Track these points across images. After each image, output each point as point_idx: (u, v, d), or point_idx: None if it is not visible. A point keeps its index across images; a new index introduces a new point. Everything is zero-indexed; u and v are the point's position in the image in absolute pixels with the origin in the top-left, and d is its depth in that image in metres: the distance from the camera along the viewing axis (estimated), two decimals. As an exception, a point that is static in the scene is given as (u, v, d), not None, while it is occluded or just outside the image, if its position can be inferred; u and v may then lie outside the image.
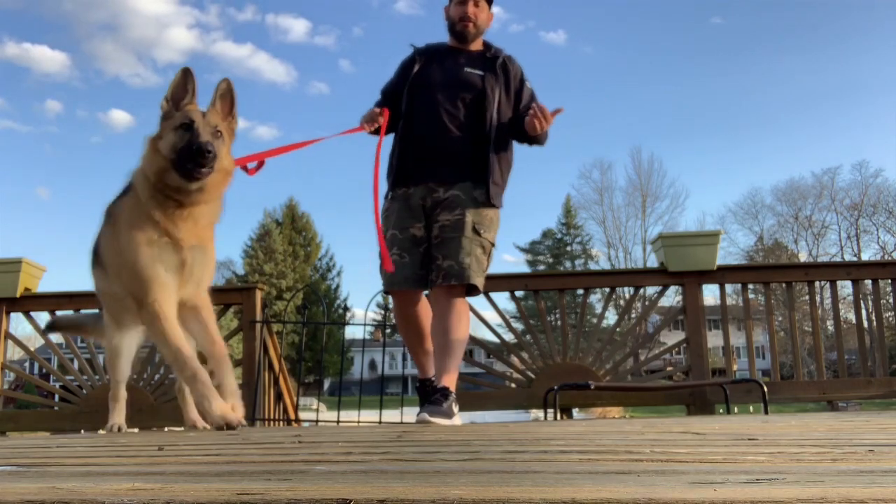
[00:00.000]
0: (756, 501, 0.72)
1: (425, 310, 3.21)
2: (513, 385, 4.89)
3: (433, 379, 3.10)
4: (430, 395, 2.99)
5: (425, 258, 3.07)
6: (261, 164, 3.07)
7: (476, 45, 3.27)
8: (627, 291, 9.96)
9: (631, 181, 42.37)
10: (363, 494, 0.78)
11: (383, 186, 3.29)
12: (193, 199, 2.57)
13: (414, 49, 3.31)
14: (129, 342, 3.07)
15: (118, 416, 3.18)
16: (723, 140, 55.90)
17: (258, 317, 4.77)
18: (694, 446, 1.49)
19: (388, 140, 3.27)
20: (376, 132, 3.18)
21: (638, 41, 55.27)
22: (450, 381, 3.00)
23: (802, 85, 53.17)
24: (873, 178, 37.78)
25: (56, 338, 5.23)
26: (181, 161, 2.50)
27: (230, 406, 2.57)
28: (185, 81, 2.65)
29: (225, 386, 2.66)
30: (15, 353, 21.94)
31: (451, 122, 3.09)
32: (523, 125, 3.11)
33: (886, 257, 34.64)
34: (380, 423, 4.66)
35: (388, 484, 0.88)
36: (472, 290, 3.07)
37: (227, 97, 2.74)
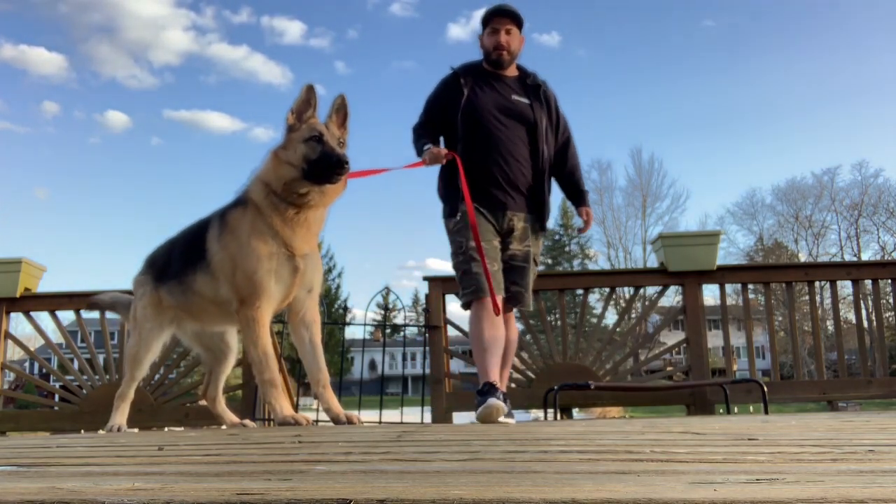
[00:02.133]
0: (756, 501, 0.72)
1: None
2: (513, 385, 4.89)
3: (498, 384, 3.26)
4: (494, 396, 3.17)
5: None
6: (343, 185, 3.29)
7: (511, 71, 3.47)
8: (627, 291, 9.95)
9: (631, 181, 42.26)
10: (363, 494, 0.78)
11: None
12: (315, 202, 2.86)
13: (454, 70, 3.45)
14: (162, 342, 3.26)
15: (121, 416, 3.20)
16: (722, 140, 55.94)
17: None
18: (694, 446, 1.49)
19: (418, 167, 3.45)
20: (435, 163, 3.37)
21: (631, 44, 55.37)
22: (503, 385, 3.39)
23: (802, 85, 53.17)
24: (873, 178, 37.77)
25: (56, 338, 5.23)
26: (315, 170, 2.79)
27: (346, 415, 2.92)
28: (308, 97, 2.91)
29: (330, 407, 2.96)
30: (15, 353, 21.95)
31: (513, 151, 3.32)
32: (567, 179, 3.54)
33: (886, 257, 34.59)
34: (380, 423, 4.66)
35: (388, 484, 0.88)
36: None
37: (341, 111, 3.00)
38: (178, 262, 3.08)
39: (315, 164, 2.79)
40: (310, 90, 2.92)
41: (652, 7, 54.09)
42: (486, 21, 3.44)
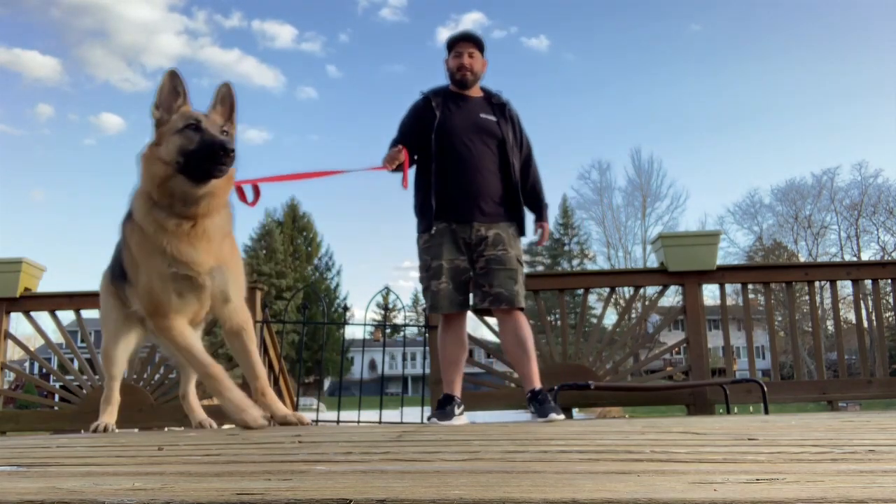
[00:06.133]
0: (756, 501, 0.72)
1: (465, 329, 3.67)
2: (513, 385, 4.89)
3: (455, 396, 3.56)
4: (535, 398, 3.44)
5: (466, 286, 3.53)
6: (257, 193, 3.17)
7: (476, 91, 3.69)
8: (627, 291, 9.95)
9: (631, 181, 42.33)
10: (363, 494, 0.78)
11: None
12: (202, 209, 2.47)
13: (425, 94, 3.68)
14: (134, 337, 3.05)
15: (109, 416, 3.08)
16: (722, 140, 55.99)
17: (258, 317, 4.77)
18: (694, 446, 1.49)
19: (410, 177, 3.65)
20: (397, 169, 3.56)
21: (620, 48, 55.86)
22: (538, 382, 3.52)
23: (802, 85, 53.19)
24: (873, 178, 37.75)
25: (56, 338, 5.23)
26: (194, 162, 2.39)
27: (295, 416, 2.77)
28: (173, 84, 2.54)
29: (275, 412, 2.79)
30: (15, 353, 21.97)
31: (483, 166, 3.50)
32: (529, 192, 3.70)
33: (886, 257, 34.58)
34: (380, 423, 4.66)
35: (388, 484, 0.88)
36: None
37: (227, 101, 2.66)
38: (120, 268, 2.81)
39: (193, 154, 2.38)
40: (173, 76, 2.53)
41: (637, 13, 54.83)
42: (451, 46, 3.67)
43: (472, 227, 3.47)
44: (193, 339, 2.62)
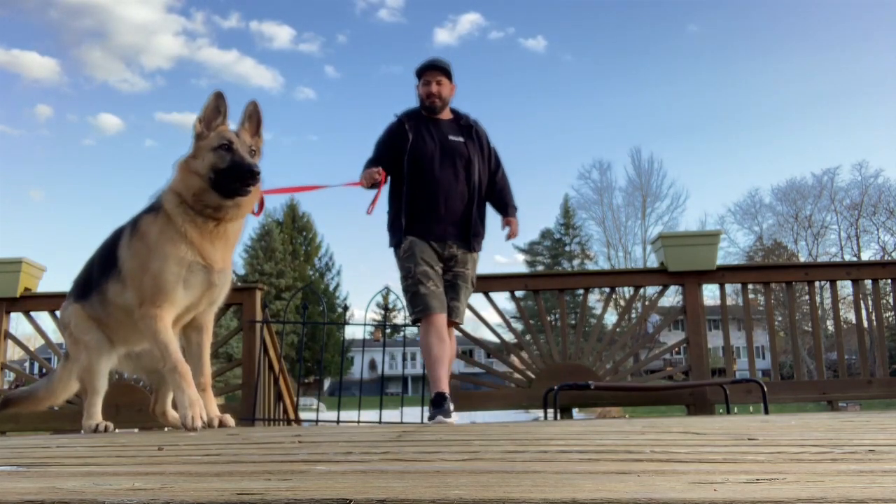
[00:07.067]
0: (756, 501, 0.72)
1: (446, 329, 3.80)
2: (513, 385, 4.89)
3: (447, 393, 3.64)
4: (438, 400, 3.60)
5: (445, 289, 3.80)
6: (262, 205, 3.24)
7: (446, 114, 3.97)
8: (627, 291, 9.96)
9: (631, 181, 42.36)
10: (363, 494, 0.78)
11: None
12: (230, 215, 2.77)
13: (399, 118, 3.93)
14: (112, 355, 3.05)
15: (97, 416, 3.05)
16: (722, 140, 56.02)
17: (258, 317, 4.77)
18: (694, 446, 1.49)
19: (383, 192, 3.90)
20: (371, 187, 3.79)
21: (617, 49, 56.05)
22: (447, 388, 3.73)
23: (802, 86, 53.21)
24: (873, 178, 37.74)
25: (56, 338, 5.23)
26: (224, 180, 2.69)
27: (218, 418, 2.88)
28: (216, 104, 2.82)
29: (209, 411, 2.89)
30: (15, 353, 21.95)
31: (452, 188, 3.77)
32: (497, 198, 3.98)
33: (886, 257, 34.59)
34: (380, 422, 4.66)
35: (388, 484, 0.88)
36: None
37: (254, 118, 2.92)
38: (97, 275, 2.94)
39: (223, 173, 2.69)
40: (218, 97, 2.82)
41: (635, 14, 54.94)
42: (420, 74, 3.92)
43: (446, 243, 3.75)
44: (172, 334, 2.78)
